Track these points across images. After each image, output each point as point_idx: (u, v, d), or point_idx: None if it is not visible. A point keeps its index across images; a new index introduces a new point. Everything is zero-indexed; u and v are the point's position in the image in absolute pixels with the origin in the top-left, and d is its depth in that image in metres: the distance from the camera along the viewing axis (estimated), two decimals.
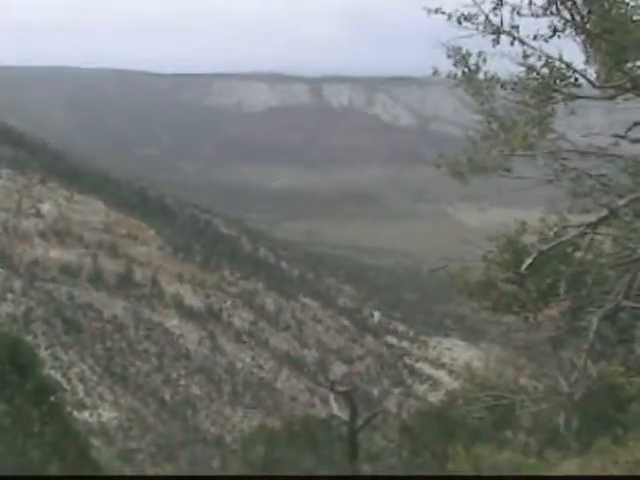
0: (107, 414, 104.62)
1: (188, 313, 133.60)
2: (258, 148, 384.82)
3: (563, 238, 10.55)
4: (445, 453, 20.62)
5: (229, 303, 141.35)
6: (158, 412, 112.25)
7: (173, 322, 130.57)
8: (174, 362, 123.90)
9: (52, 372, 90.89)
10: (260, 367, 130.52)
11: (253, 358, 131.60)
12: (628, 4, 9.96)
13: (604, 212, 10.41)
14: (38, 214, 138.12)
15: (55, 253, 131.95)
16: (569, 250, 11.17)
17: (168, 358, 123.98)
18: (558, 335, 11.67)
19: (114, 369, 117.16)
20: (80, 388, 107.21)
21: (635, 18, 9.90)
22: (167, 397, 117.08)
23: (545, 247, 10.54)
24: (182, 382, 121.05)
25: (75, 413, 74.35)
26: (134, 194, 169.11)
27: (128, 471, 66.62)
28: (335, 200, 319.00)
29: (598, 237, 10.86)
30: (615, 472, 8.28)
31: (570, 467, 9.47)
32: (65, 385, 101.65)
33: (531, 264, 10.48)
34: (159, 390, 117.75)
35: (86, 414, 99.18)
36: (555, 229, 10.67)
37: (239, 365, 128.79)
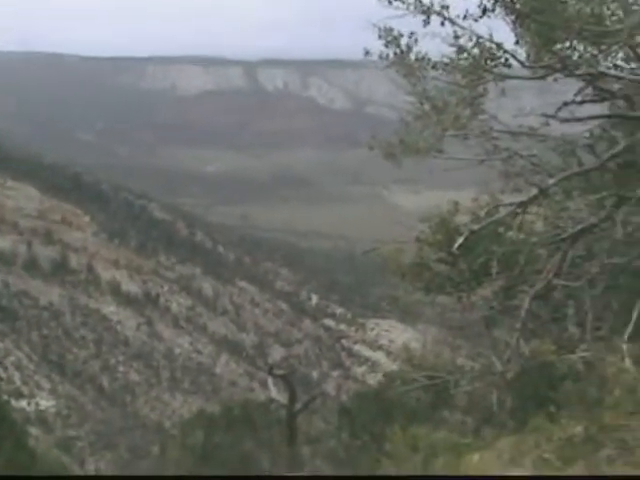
0: (45, 402, 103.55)
1: (125, 299, 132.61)
2: (193, 132, 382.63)
3: (494, 217, 10.60)
4: (383, 434, 20.71)
5: (166, 288, 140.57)
6: (96, 399, 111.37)
7: (110, 308, 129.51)
8: (112, 349, 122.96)
9: None
10: (198, 352, 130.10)
11: (191, 343, 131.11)
12: None
13: (534, 191, 10.47)
14: None
15: None
16: (501, 230, 11.24)
17: (106, 345, 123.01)
18: (491, 314, 11.75)
19: (51, 357, 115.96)
20: (17, 376, 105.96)
21: None
22: (105, 384, 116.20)
23: (477, 227, 10.59)
24: (120, 369, 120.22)
25: (12, 402, 73.62)
26: (68, 180, 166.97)
27: (66, 459, 66.13)
28: (270, 184, 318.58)
29: (529, 216, 10.93)
30: (548, 448, 8.35)
31: (505, 444, 9.54)
32: (1, 373, 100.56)
33: (463, 244, 10.51)
34: (97, 377, 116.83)
35: (23, 403, 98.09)
36: (486, 209, 10.71)
37: (177, 350, 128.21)
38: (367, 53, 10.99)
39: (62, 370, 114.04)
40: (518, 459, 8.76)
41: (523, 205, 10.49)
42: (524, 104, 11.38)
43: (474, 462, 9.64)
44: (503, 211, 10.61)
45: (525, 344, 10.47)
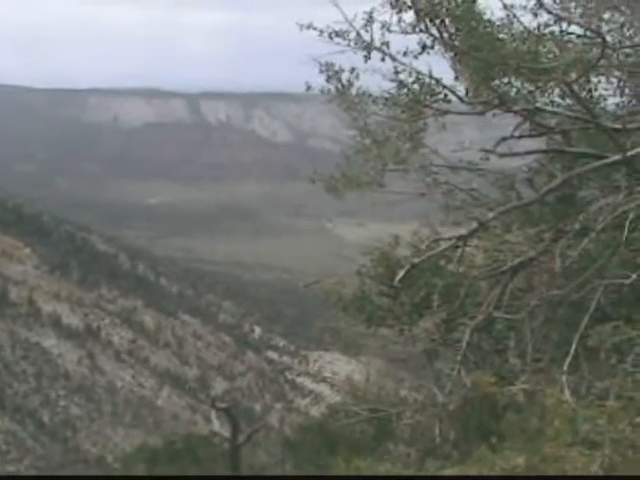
0: None
1: (66, 332, 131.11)
2: (135, 164, 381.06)
3: (435, 251, 10.70)
4: (328, 465, 20.68)
5: (108, 321, 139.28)
6: (37, 434, 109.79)
7: (51, 342, 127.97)
8: (53, 382, 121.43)
9: None
10: (140, 385, 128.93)
11: (133, 376, 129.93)
12: (494, 23, 10.19)
13: (474, 225, 10.60)
14: None
15: None
16: (441, 263, 11.34)
17: (47, 378, 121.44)
18: (433, 347, 11.83)
19: None
20: None
21: (500, 37, 10.13)
22: (46, 418, 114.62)
23: (417, 260, 10.68)
24: (61, 403, 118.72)
25: None
26: (8, 212, 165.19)
27: None
28: (213, 216, 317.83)
29: (469, 249, 11.05)
30: None
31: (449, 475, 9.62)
32: None
33: (404, 277, 10.60)
34: (37, 411, 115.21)
35: None
36: (427, 242, 10.81)
37: (119, 384, 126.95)
38: (309, 88, 11.11)
39: (1, 404, 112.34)
40: None
41: (463, 238, 10.60)
42: (465, 138, 11.54)
43: None
44: (444, 244, 10.72)
45: (467, 376, 10.55)
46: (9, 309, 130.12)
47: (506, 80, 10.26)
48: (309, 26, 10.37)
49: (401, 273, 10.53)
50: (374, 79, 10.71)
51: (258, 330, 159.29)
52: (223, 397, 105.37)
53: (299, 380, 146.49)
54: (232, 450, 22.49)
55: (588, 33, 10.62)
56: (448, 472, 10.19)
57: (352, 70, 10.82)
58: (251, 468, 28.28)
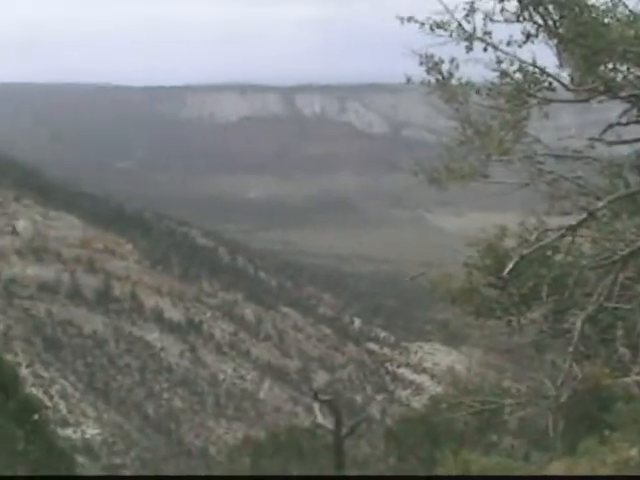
0: (91, 430, 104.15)
1: (168, 326, 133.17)
2: (232, 159, 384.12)
3: (544, 242, 10.58)
4: (432, 458, 20.62)
5: (209, 315, 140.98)
6: (141, 427, 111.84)
7: (154, 335, 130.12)
8: (156, 376, 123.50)
9: (34, 390, 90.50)
10: (242, 378, 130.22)
11: (235, 369, 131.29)
12: (599, 8, 10.03)
13: (583, 214, 10.46)
14: (14, 231, 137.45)
15: (32, 270, 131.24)
16: (549, 253, 11.22)
17: (150, 372, 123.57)
18: (541, 338, 11.71)
19: (96, 385, 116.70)
20: (62, 405, 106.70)
21: (606, 22, 9.97)
22: (150, 411, 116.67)
23: (526, 251, 10.57)
24: (165, 395, 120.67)
25: (59, 430, 74.07)
26: (110, 209, 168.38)
27: None
28: (311, 209, 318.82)
29: (578, 239, 10.91)
30: (604, 472, 8.31)
31: (558, 468, 9.49)
32: (47, 403, 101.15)
33: (512, 268, 10.51)
34: (142, 404, 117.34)
35: (69, 431, 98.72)
36: (535, 233, 10.70)
37: (221, 377, 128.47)
38: (409, 80, 11.07)
39: (107, 398, 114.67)
40: None
41: (572, 228, 10.47)
42: (564, 124, 11.39)
43: None
44: (552, 235, 10.59)
45: (576, 367, 10.44)
46: (113, 304, 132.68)
47: (612, 66, 10.10)
48: (410, 19, 10.34)
49: (510, 265, 10.44)
50: (475, 69, 10.64)
51: (358, 322, 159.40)
52: (324, 389, 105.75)
53: (400, 371, 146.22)
54: (336, 442, 22.51)
55: None
56: (555, 465, 10.07)
57: (452, 60, 10.76)
58: (354, 460, 28.32)
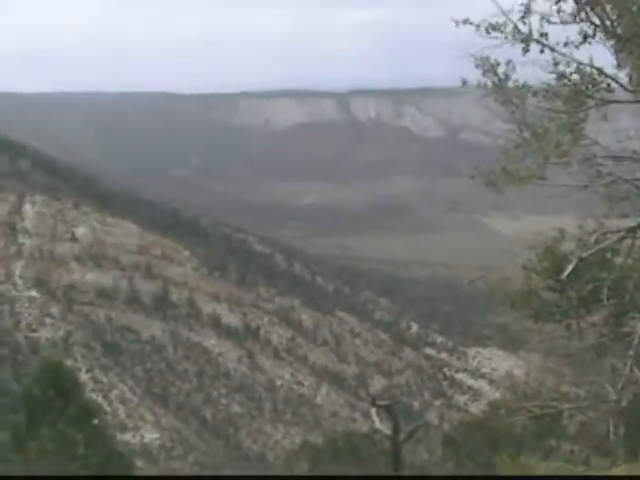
0: (149, 435, 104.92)
1: (226, 332, 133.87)
2: (288, 165, 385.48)
3: (603, 244, 10.48)
4: (490, 463, 20.49)
5: (266, 320, 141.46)
6: (200, 431, 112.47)
7: (211, 341, 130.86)
8: (214, 381, 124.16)
9: (93, 395, 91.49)
10: (300, 383, 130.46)
11: (292, 374, 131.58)
12: None
13: None
14: (73, 238, 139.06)
15: (91, 276, 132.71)
16: (609, 256, 11.12)
17: (208, 377, 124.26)
18: (601, 342, 11.60)
19: (154, 390, 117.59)
20: (121, 410, 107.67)
21: None
22: (208, 416, 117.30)
23: (585, 254, 10.48)
24: (223, 401, 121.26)
25: (118, 435, 74.75)
26: (167, 215, 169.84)
27: None
28: (367, 214, 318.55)
29: (637, 242, 10.79)
30: None
31: (621, 474, 9.39)
32: (106, 407, 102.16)
33: (571, 271, 10.42)
34: (200, 409, 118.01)
35: (128, 435, 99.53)
36: (594, 236, 10.60)
37: (278, 382, 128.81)
38: (464, 83, 11.04)
39: (165, 403, 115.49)
40: None
41: (632, 230, 10.36)
42: (622, 125, 11.26)
43: None
44: (611, 237, 10.48)
45: (638, 371, 10.32)
46: (170, 310, 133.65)
47: None
48: (465, 21, 10.31)
49: (569, 268, 10.35)
50: (532, 71, 10.58)
51: (415, 327, 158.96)
52: (382, 394, 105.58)
53: (458, 376, 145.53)
54: (394, 447, 22.41)
55: None
56: (616, 471, 9.95)
57: (508, 63, 10.71)
58: (411, 466, 28.22)
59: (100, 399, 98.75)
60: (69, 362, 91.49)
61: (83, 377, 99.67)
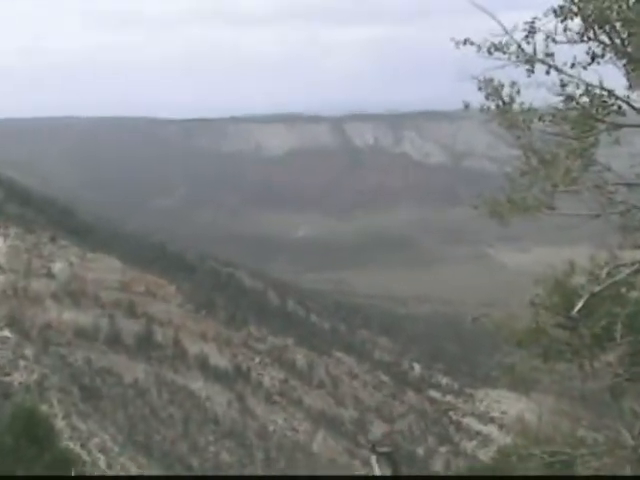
0: None
1: (214, 374, 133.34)
2: (280, 195, 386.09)
3: (616, 278, 10.49)
4: None
5: (257, 361, 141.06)
6: None
7: (198, 384, 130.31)
8: (201, 427, 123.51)
9: (71, 444, 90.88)
10: (294, 429, 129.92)
11: (286, 419, 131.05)
12: None
13: None
14: (49, 274, 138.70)
15: (69, 315, 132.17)
16: (623, 290, 11.12)
17: (195, 423, 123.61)
18: (617, 382, 11.58)
19: (137, 437, 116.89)
20: (102, 460, 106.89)
21: None
22: (195, 465, 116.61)
23: (597, 288, 10.49)
24: (211, 448, 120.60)
25: None
26: (151, 249, 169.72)
27: None
28: (364, 247, 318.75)
29: None
30: None
31: None
32: (85, 457, 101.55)
33: (583, 307, 10.42)
34: (186, 458, 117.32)
35: None
36: (607, 268, 10.61)
37: (271, 428, 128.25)
38: (467, 106, 11.08)
39: (149, 452, 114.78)
40: None
41: None
42: (636, 150, 11.30)
43: None
44: (625, 270, 10.49)
45: None
46: (154, 351, 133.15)
47: None
48: (466, 41, 10.37)
49: (580, 303, 10.36)
50: (538, 93, 10.63)
51: (418, 367, 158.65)
52: (383, 441, 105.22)
53: (465, 421, 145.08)
54: None
55: None
56: None
57: (513, 84, 10.76)
58: None
59: (78, 448, 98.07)
60: (44, 408, 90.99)
61: (59, 424, 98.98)
